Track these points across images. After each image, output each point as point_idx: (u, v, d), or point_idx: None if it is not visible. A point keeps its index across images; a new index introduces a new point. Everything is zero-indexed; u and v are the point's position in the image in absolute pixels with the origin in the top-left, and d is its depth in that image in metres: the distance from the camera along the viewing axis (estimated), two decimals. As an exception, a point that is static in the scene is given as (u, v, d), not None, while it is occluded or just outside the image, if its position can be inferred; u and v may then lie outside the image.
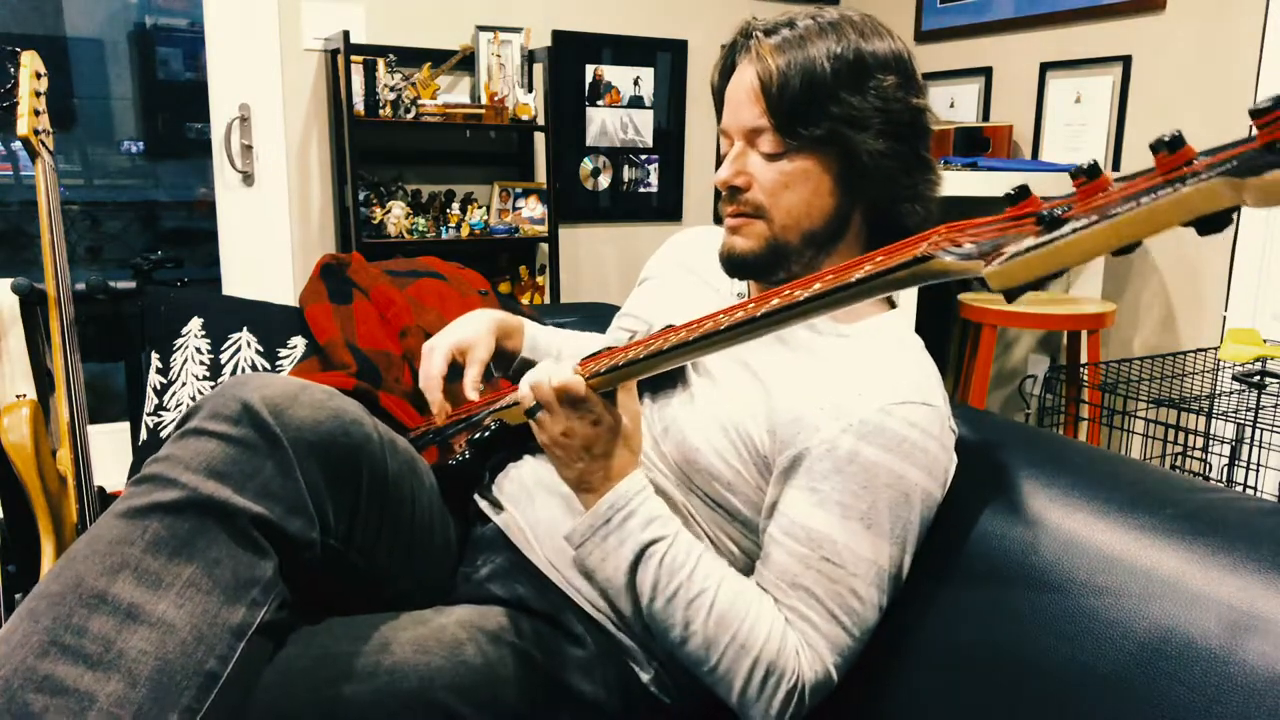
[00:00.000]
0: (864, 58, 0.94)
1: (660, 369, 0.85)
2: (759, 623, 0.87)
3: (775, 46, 0.95)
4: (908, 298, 2.44)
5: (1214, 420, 2.10)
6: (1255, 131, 0.48)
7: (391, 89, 2.78)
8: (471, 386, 1.09)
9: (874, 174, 0.96)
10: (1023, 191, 0.58)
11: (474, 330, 1.14)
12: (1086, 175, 0.55)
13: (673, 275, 1.18)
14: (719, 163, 1.01)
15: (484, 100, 2.92)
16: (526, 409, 0.90)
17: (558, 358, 1.22)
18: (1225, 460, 2.20)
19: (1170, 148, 0.50)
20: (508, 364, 1.23)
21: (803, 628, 0.89)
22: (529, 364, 1.21)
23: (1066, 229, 0.53)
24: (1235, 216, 0.50)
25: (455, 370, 1.12)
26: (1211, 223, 0.49)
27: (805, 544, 0.89)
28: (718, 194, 1.03)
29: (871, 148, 0.94)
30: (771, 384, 0.95)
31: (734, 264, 1.02)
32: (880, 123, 0.94)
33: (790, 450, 0.91)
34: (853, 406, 0.89)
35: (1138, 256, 2.70)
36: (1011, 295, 0.56)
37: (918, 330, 1.02)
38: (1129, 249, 0.52)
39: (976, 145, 2.87)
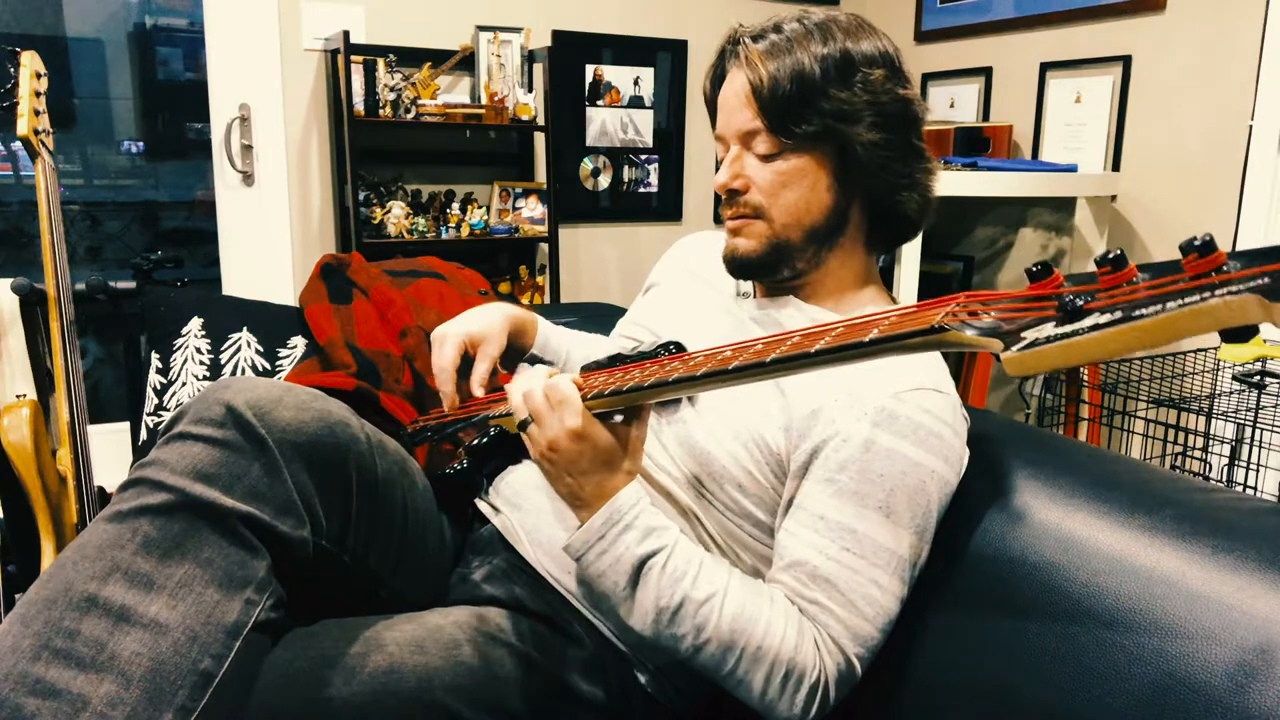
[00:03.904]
0: (850, 54, 0.96)
1: (662, 398, 0.83)
2: (774, 622, 0.86)
3: (763, 52, 0.96)
4: (909, 294, 2.44)
5: (1214, 420, 2.10)
6: None
7: (391, 89, 2.78)
8: (479, 383, 1.07)
9: (869, 165, 0.97)
10: (1045, 269, 0.57)
11: (487, 324, 1.12)
12: (1112, 265, 0.53)
13: (677, 281, 1.18)
14: (719, 166, 1.02)
15: (484, 100, 2.92)
16: (519, 421, 0.87)
17: (566, 359, 1.22)
18: (1225, 460, 2.20)
19: (1201, 251, 0.48)
20: (517, 361, 1.22)
21: (824, 620, 0.88)
22: (539, 361, 1.20)
23: (1087, 323, 0.50)
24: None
25: (464, 363, 1.10)
26: (1237, 335, 0.47)
27: (825, 535, 0.88)
28: (718, 196, 1.03)
29: (865, 139, 0.96)
30: (784, 381, 0.94)
31: (737, 265, 1.03)
32: (871, 114, 0.96)
33: (807, 444, 0.91)
34: (867, 395, 0.89)
35: (1136, 256, 2.70)
36: (1024, 378, 0.55)
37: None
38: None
39: (976, 145, 2.87)
